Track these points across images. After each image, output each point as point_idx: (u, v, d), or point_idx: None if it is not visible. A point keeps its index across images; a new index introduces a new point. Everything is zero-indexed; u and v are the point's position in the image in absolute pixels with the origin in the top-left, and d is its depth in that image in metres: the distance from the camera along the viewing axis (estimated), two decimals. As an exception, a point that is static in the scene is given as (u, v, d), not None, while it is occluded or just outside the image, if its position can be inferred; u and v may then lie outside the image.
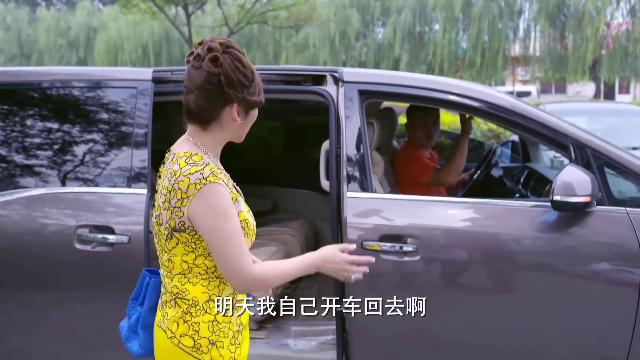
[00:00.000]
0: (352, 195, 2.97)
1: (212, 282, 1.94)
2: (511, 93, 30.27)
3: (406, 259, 2.90)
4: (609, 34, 28.94)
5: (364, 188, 3.01)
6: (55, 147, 3.18)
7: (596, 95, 31.22)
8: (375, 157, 3.48)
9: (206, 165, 1.86)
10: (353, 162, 3.02)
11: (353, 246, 2.10)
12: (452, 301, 2.98)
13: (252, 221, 1.99)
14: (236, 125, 1.95)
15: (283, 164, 5.26)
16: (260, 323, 3.50)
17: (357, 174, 3.02)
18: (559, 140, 3.02)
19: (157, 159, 2.19)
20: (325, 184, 3.14)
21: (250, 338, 2.22)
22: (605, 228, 2.94)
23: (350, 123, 3.05)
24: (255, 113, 1.99)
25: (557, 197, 2.77)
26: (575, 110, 8.88)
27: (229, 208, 1.87)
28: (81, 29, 32.89)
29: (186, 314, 1.92)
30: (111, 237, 2.96)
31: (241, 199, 1.99)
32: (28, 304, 3.11)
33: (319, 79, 3.14)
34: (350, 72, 3.13)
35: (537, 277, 2.96)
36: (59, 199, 3.06)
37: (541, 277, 2.96)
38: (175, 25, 13.00)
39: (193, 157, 1.89)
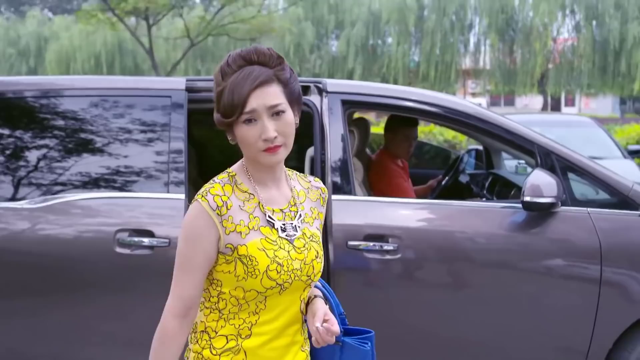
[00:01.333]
0: (336, 199, 3.17)
1: (212, 314, 1.78)
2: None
3: (388, 257, 3.11)
4: (556, 49, 29.93)
5: (347, 191, 3.20)
6: (93, 154, 3.29)
7: (544, 108, 32.17)
8: (355, 163, 3.69)
9: (213, 184, 1.74)
10: (336, 167, 3.22)
11: None
12: (430, 297, 3.20)
13: (264, 261, 1.70)
14: (240, 144, 1.74)
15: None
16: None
17: (340, 178, 3.22)
18: (525, 147, 3.28)
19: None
20: None
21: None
22: (568, 227, 3.20)
23: (334, 131, 3.25)
24: (243, 131, 1.69)
25: (527, 198, 3.03)
26: (527, 121, 9.25)
27: (192, 232, 1.72)
28: (31, 38, 32.45)
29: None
30: (151, 241, 3.08)
31: (255, 234, 1.72)
32: (69, 306, 3.21)
33: (304, 90, 3.33)
34: (333, 83, 3.34)
35: (507, 274, 3.21)
36: (98, 205, 3.17)
37: (510, 274, 3.21)
38: (136, 36, 13.00)
39: (222, 174, 1.80)
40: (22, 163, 3.26)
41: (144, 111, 3.30)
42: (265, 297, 1.72)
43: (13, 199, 3.17)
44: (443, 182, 4.41)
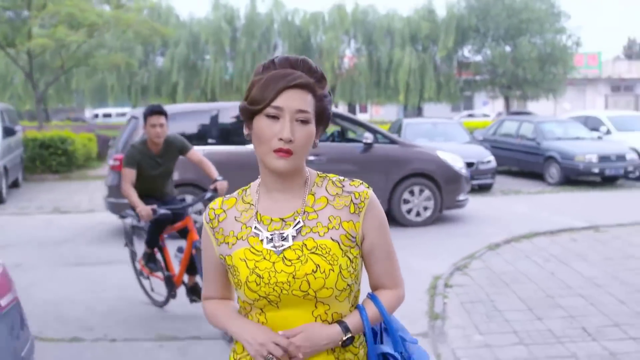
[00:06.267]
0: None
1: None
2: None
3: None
4: (342, 67, 36.94)
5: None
6: (230, 136, 9.43)
7: (336, 114, 38.74)
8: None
9: (216, 199, 1.79)
10: None
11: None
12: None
13: (244, 272, 1.62)
14: (254, 139, 1.65)
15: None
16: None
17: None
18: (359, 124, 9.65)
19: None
20: None
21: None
22: (377, 150, 9.55)
23: None
24: (262, 124, 1.60)
25: (365, 140, 9.28)
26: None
27: (202, 242, 1.80)
28: None
29: None
30: None
31: (241, 243, 1.67)
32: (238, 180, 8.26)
33: None
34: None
35: (359, 169, 9.44)
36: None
37: (360, 169, 9.37)
38: (17, 64, 17.13)
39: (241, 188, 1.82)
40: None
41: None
42: (262, 309, 1.65)
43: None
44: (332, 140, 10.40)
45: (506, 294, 6.03)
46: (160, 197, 5.53)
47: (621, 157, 14.30)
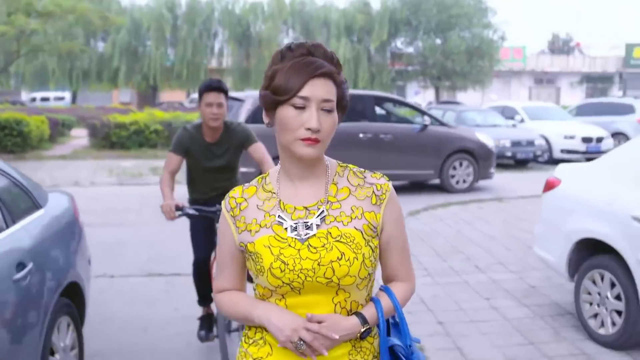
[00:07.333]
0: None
1: None
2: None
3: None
4: (281, 55, 38.15)
5: None
6: None
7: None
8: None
9: (236, 188, 1.79)
10: None
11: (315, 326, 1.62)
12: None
13: (268, 258, 1.64)
14: (279, 128, 1.64)
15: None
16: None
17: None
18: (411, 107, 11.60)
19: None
20: None
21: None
22: (431, 132, 11.63)
23: None
24: (288, 114, 1.59)
25: (427, 122, 11.01)
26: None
27: (219, 231, 1.80)
28: None
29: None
30: None
31: (265, 231, 1.68)
32: None
33: None
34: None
35: (411, 145, 11.38)
36: None
37: (412, 144, 11.42)
38: None
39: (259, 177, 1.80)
40: None
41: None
42: (283, 296, 1.67)
43: None
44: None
45: (421, 246, 7.60)
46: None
47: (531, 143, 16.18)
